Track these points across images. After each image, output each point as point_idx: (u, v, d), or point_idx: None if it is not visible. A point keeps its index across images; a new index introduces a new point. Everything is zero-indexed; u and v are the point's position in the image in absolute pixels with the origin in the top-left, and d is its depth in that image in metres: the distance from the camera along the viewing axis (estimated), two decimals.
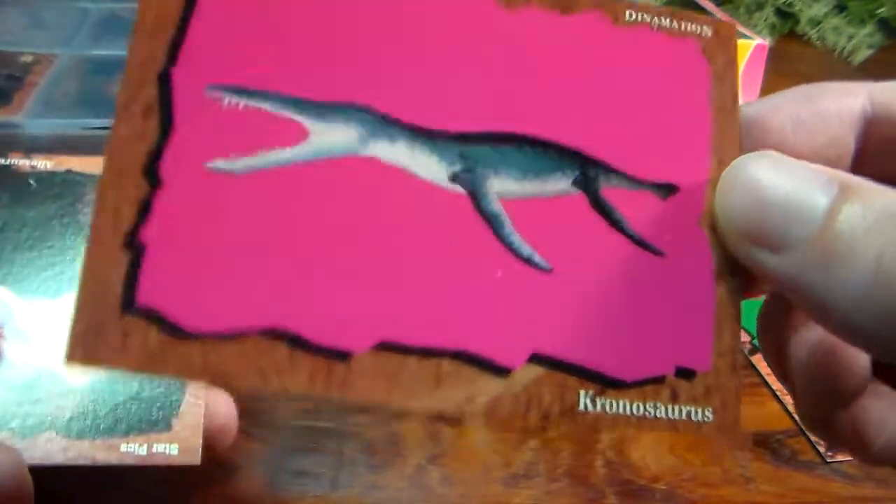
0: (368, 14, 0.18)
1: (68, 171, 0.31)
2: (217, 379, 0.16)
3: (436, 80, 0.17)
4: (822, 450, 0.35)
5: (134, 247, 0.16)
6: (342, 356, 0.16)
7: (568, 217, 0.17)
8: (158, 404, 0.27)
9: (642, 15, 0.19)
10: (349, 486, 0.32)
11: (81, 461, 0.26)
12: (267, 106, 0.17)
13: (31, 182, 0.31)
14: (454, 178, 0.17)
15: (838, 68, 0.87)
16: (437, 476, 0.33)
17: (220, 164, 0.16)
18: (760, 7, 0.89)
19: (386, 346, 0.16)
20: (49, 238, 0.30)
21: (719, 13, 0.72)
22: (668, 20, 0.19)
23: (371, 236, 0.17)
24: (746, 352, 0.40)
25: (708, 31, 0.19)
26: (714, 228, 0.18)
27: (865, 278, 0.14)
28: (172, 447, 0.26)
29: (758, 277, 0.17)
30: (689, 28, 0.19)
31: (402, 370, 0.16)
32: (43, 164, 0.31)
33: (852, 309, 0.15)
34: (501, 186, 0.17)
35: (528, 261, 0.17)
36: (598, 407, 0.17)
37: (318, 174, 0.17)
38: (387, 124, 0.17)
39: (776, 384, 0.39)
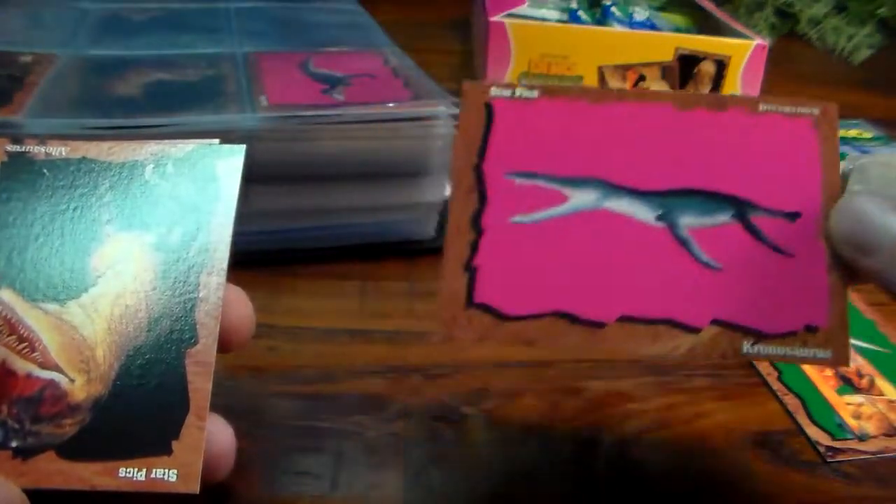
0: (596, 124, 0.29)
1: (83, 159, 0.30)
2: (525, 342, 0.27)
3: (642, 159, 0.28)
4: (822, 450, 0.35)
5: (470, 269, 0.27)
6: (599, 325, 0.27)
7: (730, 238, 0.28)
8: (159, 425, 0.26)
9: (771, 105, 0.29)
10: (349, 486, 0.32)
11: (78, 486, 0.25)
12: (541, 183, 0.28)
13: (45, 171, 0.29)
14: (658, 219, 0.28)
15: (838, 68, 0.87)
16: (437, 476, 0.33)
17: (518, 218, 0.28)
18: (760, 7, 0.89)
19: (625, 318, 0.27)
20: (59, 234, 0.28)
21: (719, 13, 0.72)
22: (789, 107, 0.29)
23: (611, 256, 0.27)
24: None
25: (815, 110, 0.29)
26: (827, 239, 0.27)
27: None
28: (171, 473, 0.25)
29: (856, 272, 0.26)
30: (803, 111, 0.29)
31: (635, 332, 0.27)
32: (58, 150, 0.30)
33: None
34: (687, 221, 0.28)
35: (707, 265, 0.27)
36: (755, 351, 0.27)
37: (575, 221, 0.28)
38: (615, 188, 0.28)
39: (776, 384, 0.39)
